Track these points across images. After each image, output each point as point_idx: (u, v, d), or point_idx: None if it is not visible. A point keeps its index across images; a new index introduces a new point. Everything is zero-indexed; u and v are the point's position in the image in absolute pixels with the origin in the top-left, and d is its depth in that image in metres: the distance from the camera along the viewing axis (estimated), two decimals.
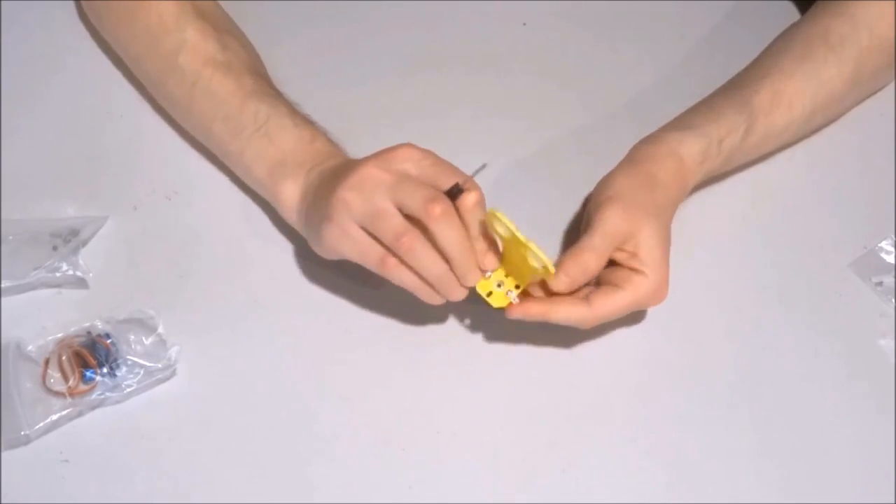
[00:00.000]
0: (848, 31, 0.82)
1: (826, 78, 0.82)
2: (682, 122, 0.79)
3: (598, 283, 0.75)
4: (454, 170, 0.71)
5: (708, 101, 0.82)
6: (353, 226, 0.70)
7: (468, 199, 0.69)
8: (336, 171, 0.73)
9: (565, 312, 0.72)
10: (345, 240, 0.70)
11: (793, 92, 0.81)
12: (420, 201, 0.68)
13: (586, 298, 0.72)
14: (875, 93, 0.90)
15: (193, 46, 0.82)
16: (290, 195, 0.77)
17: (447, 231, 0.68)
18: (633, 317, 0.78)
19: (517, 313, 0.72)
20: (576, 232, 0.80)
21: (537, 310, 0.72)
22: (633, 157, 0.77)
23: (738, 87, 0.81)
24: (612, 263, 0.74)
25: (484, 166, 0.70)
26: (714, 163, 0.79)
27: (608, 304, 0.72)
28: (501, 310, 0.72)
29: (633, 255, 0.73)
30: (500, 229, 0.69)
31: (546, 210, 0.85)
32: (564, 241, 0.84)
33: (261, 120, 0.79)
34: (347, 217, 0.70)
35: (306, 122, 0.79)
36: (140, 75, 0.88)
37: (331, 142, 0.79)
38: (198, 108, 0.82)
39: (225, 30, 0.84)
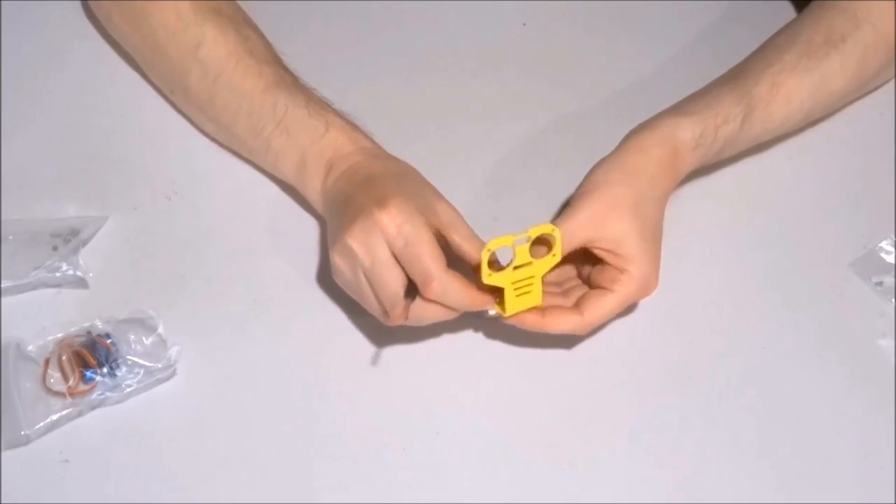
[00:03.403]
0: (850, 29, 0.82)
1: (828, 74, 0.82)
2: (679, 109, 0.79)
3: (588, 282, 0.76)
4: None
5: (706, 89, 0.81)
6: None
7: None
8: (348, 200, 0.73)
9: (559, 324, 0.73)
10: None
11: (793, 86, 0.81)
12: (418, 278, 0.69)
13: (577, 307, 0.74)
14: (876, 89, 0.90)
15: (214, 39, 0.81)
16: (314, 198, 0.79)
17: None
18: (629, 310, 0.78)
19: (513, 319, 0.72)
20: None
21: (531, 320, 0.73)
22: (622, 148, 0.76)
23: (737, 77, 0.81)
24: (599, 261, 0.74)
25: None
26: (709, 150, 0.79)
27: (598, 309, 0.73)
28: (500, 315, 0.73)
29: (614, 252, 0.73)
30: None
31: (545, 210, 0.85)
32: None
33: (279, 113, 0.79)
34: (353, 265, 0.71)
35: (320, 110, 0.79)
36: (154, 74, 0.88)
37: (344, 127, 0.78)
38: (220, 104, 0.82)
39: (242, 20, 0.84)
